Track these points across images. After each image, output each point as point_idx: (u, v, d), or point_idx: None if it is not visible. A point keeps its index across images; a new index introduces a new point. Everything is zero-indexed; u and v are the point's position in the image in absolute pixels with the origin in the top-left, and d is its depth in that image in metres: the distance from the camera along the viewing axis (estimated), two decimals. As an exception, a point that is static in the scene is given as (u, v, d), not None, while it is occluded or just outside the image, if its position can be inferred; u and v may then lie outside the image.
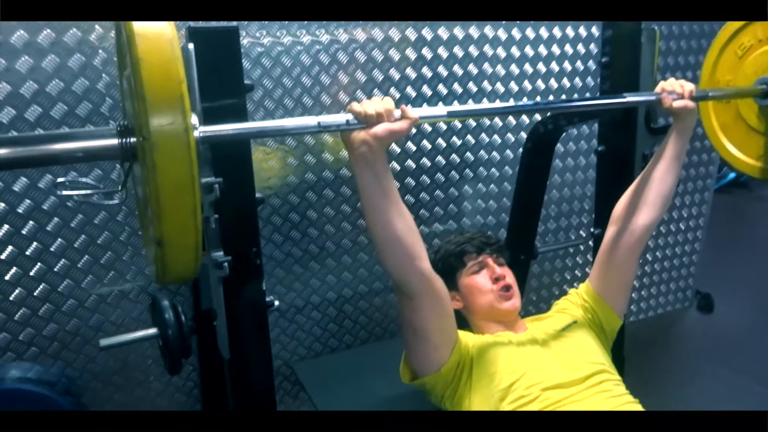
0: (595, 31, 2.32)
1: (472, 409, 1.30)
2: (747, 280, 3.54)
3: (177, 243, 0.85)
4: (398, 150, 2.13)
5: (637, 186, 1.45)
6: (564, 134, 2.35)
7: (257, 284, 1.34)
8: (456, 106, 1.09)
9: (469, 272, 1.52)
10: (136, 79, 0.78)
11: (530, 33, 2.23)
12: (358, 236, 2.14)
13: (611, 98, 1.45)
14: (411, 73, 2.07)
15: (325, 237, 2.08)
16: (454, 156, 2.23)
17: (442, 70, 2.12)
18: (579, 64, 2.36)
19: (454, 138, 2.21)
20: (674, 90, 1.35)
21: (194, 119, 0.86)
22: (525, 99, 2.29)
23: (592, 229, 1.95)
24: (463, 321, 1.57)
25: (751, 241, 4.18)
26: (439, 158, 2.21)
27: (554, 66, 2.31)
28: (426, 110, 1.15)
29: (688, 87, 1.36)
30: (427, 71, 2.10)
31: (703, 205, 2.94)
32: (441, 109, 1.17)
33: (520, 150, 2.15)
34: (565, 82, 2.35)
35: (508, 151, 2.32)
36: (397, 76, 2.05)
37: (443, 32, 2.09)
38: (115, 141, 0.88)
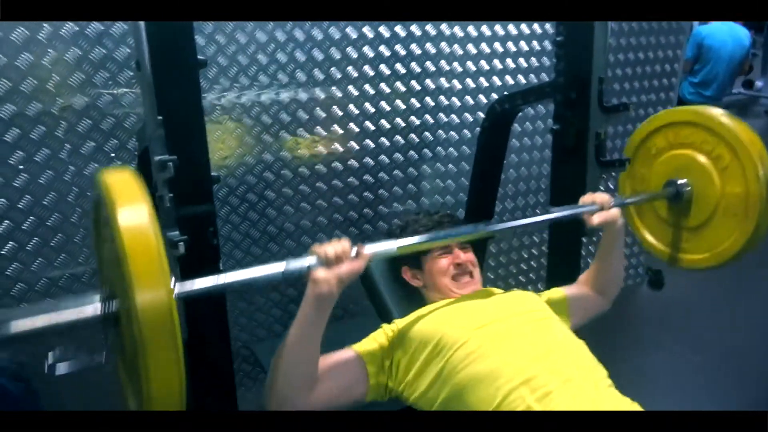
0: (549, 28, 2.36)
1: (416, 380, 1.29)
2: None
3: (162, 402, 0.87)
4: (357, 130, 2.12)
5: (596, 276, 1.59)
6: (520, 114, 2.38)
7: (215, 264, 1.33)
8: (405, 241, 1.21)
9: (433, 256, 1.52)
10: (120, 261, 0.81)
11: (486, 30, 2.27)
12: (317, 216, 2.13)
13: (539, 217, 1.52)
14: (368, 51, 2.07)
15: (283, 217, 2.07)
16: (412, 136, 2.24)
17: (399, 67, 2.12)
18: (533, 60, 2.39)
19: (413, 117, 2.22)
20: (594, 201, 1.46)
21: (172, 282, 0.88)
22: (481, 96, 2.33)
23: (548, 209, 1.99)
24: (418, 297, 1.58)
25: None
26: (398, 138, 2.21)
27: (509, 63, 2.34)
28: (377, 246, 1.21)
29: (604, 199, 1.46)
30: (385, 68, 2.09)
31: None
32: (391, 244, 1.23)
33: (478, 129, 2.17)
34: (520, 78, 2.39)
35: (465, 131, 2.34)
36: (354, 54, 2.04)
37: (400, 30, 2.11)
38: (97, 310, 0.92)
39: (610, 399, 1.19)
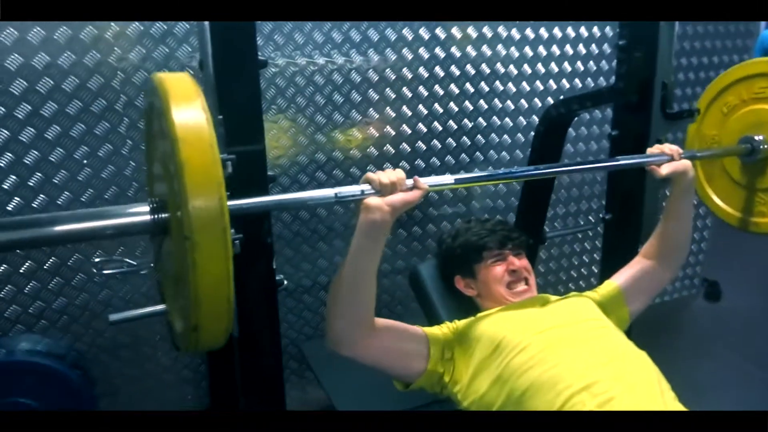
0: (609, 30, 2.30)
1: (473, 381, 1.29)
2: (755, 268, 3.52)
3: (211, 328, 0.88)
4: (409, 131, 2.11)
5: (662, 240, 1.48)
6: (576, 118, 2.34)
7: (267, 263, 1.34)
8: (462, 174, 1.19)
9: (487, 265, 1.51)
10: (175, 162, 0.81)
11: (543, 32, 2.23)
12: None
13: (604, 162, 1.53)
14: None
15: (333, 217, 2.08)
16: (464, 138, 2.22)
17: (454, 69, 2.12)
18: (591, 64, 2.34)
19: (465, 120, 2.20)
20: (663, 152, 1.39)
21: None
22: (536, 100, 2.28)
23: (601, 215, 1.94)
24: (471, 306, 1.56)
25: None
26: (450, 140, 2.19)
27: (566, 66, 2.29)
28: (435, 179, 1.18)
29: (675, 150, 1.39)
30: (439, 70, 2.10)
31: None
32: (449, 178, 1.21)
33: (531, 134, 2.14)
34: (577, 82, 2.34)
35: (519, 135, 2.31)
36: (410, 55, 2.04)
37: (456, 32, 2.10)
38: (147, 217, 0.92)
39: (674, 408, 1.15)
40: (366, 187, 1.10)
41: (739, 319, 2.96)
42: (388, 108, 2.06)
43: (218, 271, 0.84)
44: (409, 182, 1.12)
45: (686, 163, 1.39)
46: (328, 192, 1.08)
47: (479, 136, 2.24)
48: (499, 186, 2.34)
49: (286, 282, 1.41)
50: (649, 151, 1.41)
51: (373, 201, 1.09)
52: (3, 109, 1.62)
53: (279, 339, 1.43)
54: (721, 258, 3.20)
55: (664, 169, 1.36)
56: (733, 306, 3.03)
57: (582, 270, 2.66)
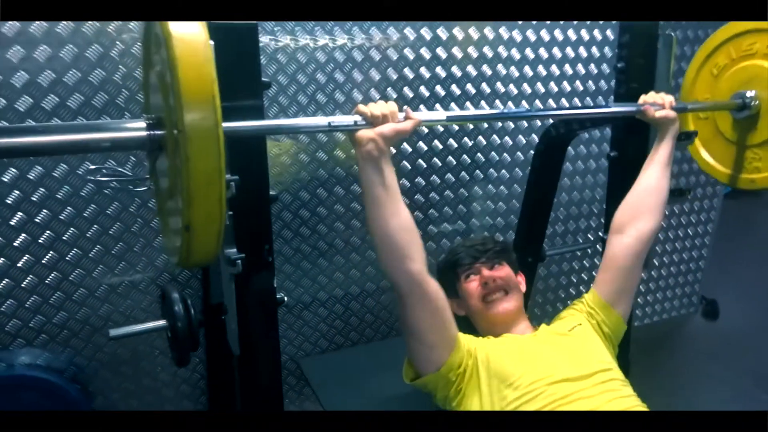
0: (609, 34, 2.32)
1: (476, 409, 1.31)
2: (753, 286, 3.53)
3: (203, 229, 0.92)
4: (409, 150, 2.13)
5: (635, 195, 1.52)
6: (576, 137, 2.35)
7: (269, 281, 1.35)
8: (455, 111, 1.20)
9: (462, 282, 1.55)
10: (173, 77, 0.84)
11: (544, 35, 2.23)
12: (367, 234, 2.14)
13: (597, 108, 1.58)
14: (425, 72, 2.08)
15: (334, 234, 2.09)
16: (464, 157, 2.24)
17: (456, 71, 2.12)
18: (592, 67, 2.35)
19: (465, 139, 2.22)
20: (656, 102, 1.48)
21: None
22: (537, 102, 2.29)
23: (600, 233, 1.96)
24: (471, 327, 1.58)
25: (759, 248, 4.17)
26: (450, 159, 2.21)
27: (567, 69, 2.31)
28: (427, 114, 1.24)
29: (668, 98, 1.49)
30: (441, 71, 2.10)
31: (711, 211, 2.93)
32: (441, 114, 1.25)
33: (531, 152, 2.16)
34: (578, 84, 2.35)
35: (518, 153, 2.32)
36: (411, 75, 2.06)
37: (458, 32, 2.09)
38: (143, 132, 0.94)
39: None
40: (358, 118, 1.15)
41: (737, 337, 2.97)
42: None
43: (210, 166, 0.87)
44: (401, 115, 1.16)
45: (674, 113, 1.49)
46: (321, 120, 1.14)
47: (479, 154, 2.26)
48: (499, 204, 2.35)
49: (286, 299, 1.42)
50: (643, 98, 1.51)
51: (365, 133, 1.13)
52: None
53: (279, 356, 1.44)
54: (720, 276, 3.22)
55: (656, 113, 1.46)
56: (731, 324, 3.04)
57: (581, 288, 2.66)
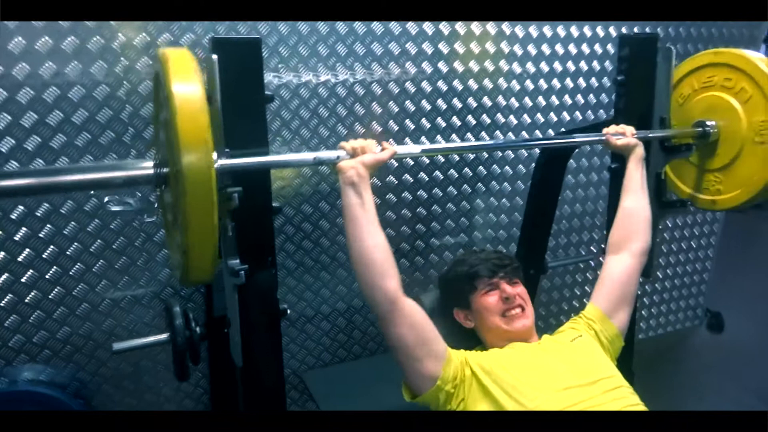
0: (610, 48, 2.33)
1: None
2: (758, 299, 3.50)
3: (198, 253, 1.04)
4: (411, 163, 2.14)
5: (620, 220, 1.62)
6: (577, 150, 2.36)
7: (272, 292, 1.36)
8: (429, 145, 1.34)
9: (480, 294, 1.53)
10: (172, 125, 0.98)
11: (545, 48, 2.24)
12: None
13: (561, 138, 1.77)
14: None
15: (336, 247, 2.09)
16: (466, 170, 2.24)
17: (457, 84, 2.14)
18: (593, 80, 2.37)
19: (468, 153, 2.23)
20: (617, 132, 1.61)
21: (215, 155, 1.06)
22: (539, 115, 2.30)
23: (603, 245, 1.95)
24: (476, 339, 1.57)
25: (763, 261, 4.15)
26: (452, 171, 2.22)
27: (568, 82, 2.33)
28: (403, 147, 1.40)
29: (629, 128, 1.62)
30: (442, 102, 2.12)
31: (714, 224, 2.93)
32: (416, 147, 1.46)
33: (533, 165, 2.16)
34: (579, 98, 2.36)
35: (520, 166, 2.33)
36: (413, 89, 2.07)
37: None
38: (150, 171, 1.09)
39: None
40: (341, 152, 1.30)
41: (741, 350, 2.95)
42: (391, 140, 2.08)
43: (203, 199, 1.00)
44: (379, 148, 1.32)
45: (636, 140, 1.61)
46: (307, 156, 1.30)
47: (481, 167, 2.27)
48: (501, 216, 2.36)
49: (289, 311, 1.42)
50: (606, 130, 1.62)
51: (347, 162, 1.28)
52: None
53: (282, 368, 1.43)
54: (725, 289, 3.20)
55: (618, 141, 1.59)
56: (735, 337, 3.02)
57: (584, 300, 2.65)
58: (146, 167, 1.09)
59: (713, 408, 2.49)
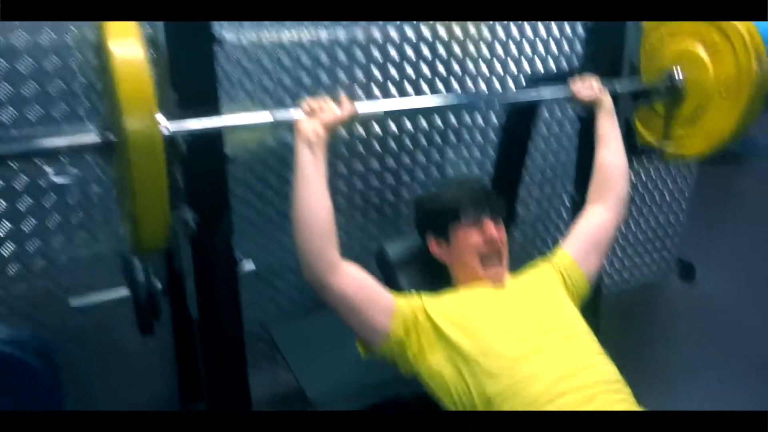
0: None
1: (437, 367, 1.28)
2: (729, 251, 3.55)
3: (148, 221, 1.02)
4: (380, 113, 2.08)
5: (596, 172, 1.59)
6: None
7: (226, 244, 1.32)
8: (393, 101, 1.30)
9: (462, 227, 1.46)
10: (111, 87, 0.96)
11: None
12: (336, 199, 2.10)
13: (526, 92, 1.73)
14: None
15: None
16: (437, 120, 2.19)
17: (427, 54, 2.09)
18: (567, 29, 2.31)
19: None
20: (584, 83, 1.58)
21: (161, 118, 1.03)
22: (511, 65, 2.25)
23: (574, 197, 1.94)
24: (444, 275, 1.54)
25: (735, 214, 4.19)
26: (422, 122, 2.17)
27: (542, 32, 2.27)
28: (365, 105, 1.35)
29: (596, 81, 1.59)
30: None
31: (688, 176, 2.92)
32: (378, 105, 1.38)
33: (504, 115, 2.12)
34: (554, 48, 2.31)
35: (492, 116, 2.29)
36: (380, 37, 2.00)
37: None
38: (97, 138, 1.06)
39: None
40: (299, 112, 1.26)
41: (712, 302, 2.99)
42: (358, 90, 2.03)
43: (151, 167, 0.97)
44: (339, 107, 1.28)
45: (604, 94, 1.59)
46: (263, 115, 1.24)
47: (452, 118, 2.22)
48: (472, 167, 2.32)
49: (252, 266, 1.39)
50: (573, 83, 1.59)
51: (304, 122, 1.24)
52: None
53: (240, 318, 1.40)
54: (697, 240, 3.23)
55: (585, 93, 1.57)
56: (706, 288, 3.05)
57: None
58: (91, 134, 1.06)
59: (681, 359, 2.53)
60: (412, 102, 1.74)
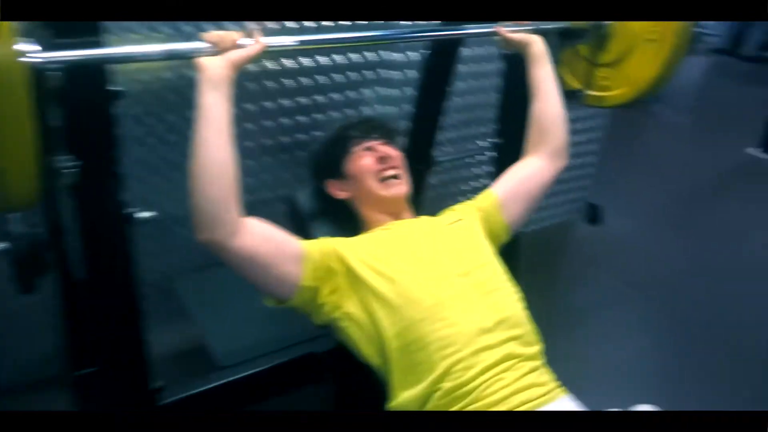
0: None
1: (353, 313, 1.21)
2: (638, 194, 3.69)
3: (13, 170, 0.87)
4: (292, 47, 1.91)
5: (533, 122, 1.50)
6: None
7: (116, 197, 1.16)
8: (308, 36, 1.17)
9: (353, 157, 1.43)
10: None
11: None
12: (244, 141, 1.95)
13: (448, 30, 1.56)
14: None
15: (207, 140, 1.88)
16: (352, 55, 2.05)
17: None
18: None
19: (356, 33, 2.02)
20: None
21: (25, 46, 0.87)
22: None
23: (490, 141, 1.89)
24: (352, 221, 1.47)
25: (643, 157, 4.35)
26: (337, 57, 2.02)
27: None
28: (276, 39, 1.19)
29: (523, 22, 1.49)
30: None
31: (602, 119, 2.94)
32: (292, 39, 1.20)
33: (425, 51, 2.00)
34: None
35: (410, 53, 2.17)
36: None
37: None
38: None
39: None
40: (201, 45, 1.10)
41: (620, 243, 3.10)
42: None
43: (13, 107, 0.83)
44: (248, 41, 1.13)
45: (533, 36, 1.49)
46: (158, 48, 1.06)
47: (369, 53, 2.08)
48: (390, 108, 2.21)
49: (150, 213, 1.24)
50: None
51: (210, 59, 1.09)
52: None
53: (132, 276, 1.24)
54: (607, 184, 3.31)
55: (513, 35, 1.46)
56: (615, 231, 3.15)
57: (471, 196, 2.62)
58: None
59: (590, 298, 2.60)
60: (330, 35, 1.60)
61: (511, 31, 1.47)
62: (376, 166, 1.39)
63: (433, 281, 1.20)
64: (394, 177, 1.40)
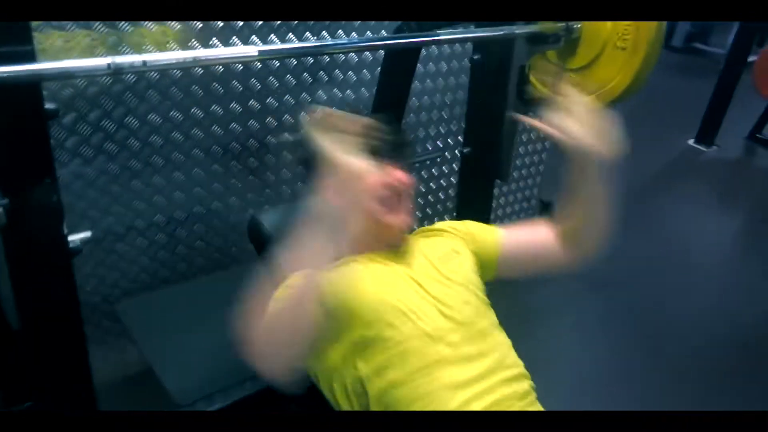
0: None
1: (334, 361, 1.09)
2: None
3: None
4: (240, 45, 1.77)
5: (582, 218, 1.27)
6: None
7: (56, 228, 1.00)
8: (268, 46, 1.03)
9: (365, 174, 1.16)
10: None
11: None
12: (192, 149, 1.79)
13: (425, 36, 1.42)
14: None
15: (150, 150, 1.71)
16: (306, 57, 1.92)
17: None
18: None
19: (308, 34, 1.90)
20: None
21: None
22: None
23: (458, 150, 1.81)
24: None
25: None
26: (289, 59, 1.89)
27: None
28: (234, 50, 1.14)
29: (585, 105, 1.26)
30: None
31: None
32: (252, 49, 1.09)
33: (381, 52, 1.90)
34: None
35: (366, 53, 2.06)
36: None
37: None
38: None
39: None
40: (149, 58, 0.94)
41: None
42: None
43: None
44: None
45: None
46: (100, 61, 0.91)
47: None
48: (345, 109, 2.08)
49: (88, 233, 1.08)
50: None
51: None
52: None
53: (75, 307, 1.09)
54: (558, 180, 3.30)
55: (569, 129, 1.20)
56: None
57: (429, 197, 2.55)
58: None
59: (545, 297, 2.58)
60: (290, 45, 1.45)
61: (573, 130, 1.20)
62: (387, 193, 1.19)
63: (424, 321, 1.09)
64: (404, 206, 1.23)
